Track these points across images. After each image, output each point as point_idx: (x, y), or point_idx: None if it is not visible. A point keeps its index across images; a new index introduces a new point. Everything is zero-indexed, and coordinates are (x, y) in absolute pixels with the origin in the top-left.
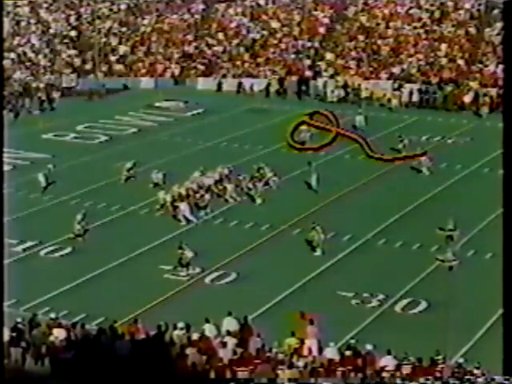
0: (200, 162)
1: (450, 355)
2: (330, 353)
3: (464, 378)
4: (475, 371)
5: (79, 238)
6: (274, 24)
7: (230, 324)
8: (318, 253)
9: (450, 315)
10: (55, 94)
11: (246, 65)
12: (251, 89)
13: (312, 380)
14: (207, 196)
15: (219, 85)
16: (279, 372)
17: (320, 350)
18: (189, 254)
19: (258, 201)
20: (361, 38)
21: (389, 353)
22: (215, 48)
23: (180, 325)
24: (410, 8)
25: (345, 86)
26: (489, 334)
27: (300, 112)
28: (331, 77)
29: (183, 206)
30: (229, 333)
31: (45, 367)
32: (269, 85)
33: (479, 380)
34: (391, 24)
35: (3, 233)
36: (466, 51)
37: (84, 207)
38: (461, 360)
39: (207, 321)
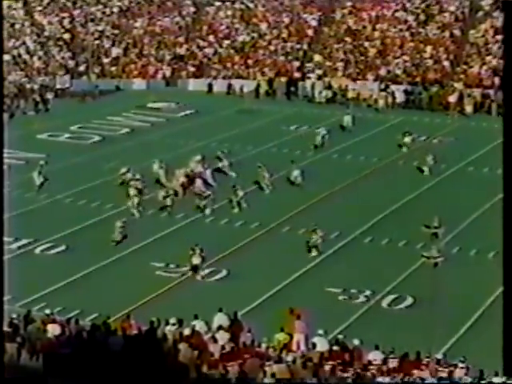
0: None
1: (435, 349)
2: (318, 342)
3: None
4: (460, 365)
5: (118, 243)
6: (264, 26)
7: (220, 319)
8: (314, 254)
9: (435, 310)
10: (49, 95)
11: (236, 66)
12: (241, 90)
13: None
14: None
15: (210, 86)
16: (267, 368)
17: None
18: (196, 259)
19: (235, 210)
20: (348, 40)
21: (376, 347)
22: (206, 50)
23: (172, 320)
24: (396, 11)
25: (332, 87)
26: (473, 328)
27: (289, 112)
28: (319, 78)
29: (198, 182)
30: (220, 328)
31: (39, 362)
32: (258, 86)
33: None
34: (378, 26)
35: (3, 231)
36: (450, 53)
37: (78, 206)
38: (446, 354)
39: (196, 317)
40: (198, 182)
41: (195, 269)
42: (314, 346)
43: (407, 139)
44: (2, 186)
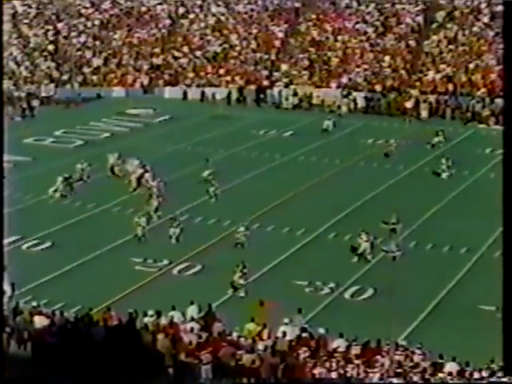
0: (167, 163)
1: (393, 337)
2: (286, 330)
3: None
4: (417, 351)
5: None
6: (234, 38)
7: (194, 311)
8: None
9: (394, 301)
10: (35, 103)
11: (209, 75)
12: (214, 97)
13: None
14: None
15: (185, 93)
16: (239, 356)
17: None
18: (237, 275)
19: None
20: (312, 50)
21: (340, 336)
22: (181, 60)
23: (150, 312)
24: (357, 23)
25: (298, 94)
26: (428, 317)
27: (258, 118)
28: (286, 86)
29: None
30: (193, 319)
31: (27, 351)
32: (230, 93)
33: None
34: (340, 38)
35: (3, 229)
36: (407, 62)
37: (62, 205)
38: (404, 341)
39: (174, 308)
40: (147, 175)
41: (235, 287)
42: (284, 334)
43: (438, 139)
44: (1, 187)
